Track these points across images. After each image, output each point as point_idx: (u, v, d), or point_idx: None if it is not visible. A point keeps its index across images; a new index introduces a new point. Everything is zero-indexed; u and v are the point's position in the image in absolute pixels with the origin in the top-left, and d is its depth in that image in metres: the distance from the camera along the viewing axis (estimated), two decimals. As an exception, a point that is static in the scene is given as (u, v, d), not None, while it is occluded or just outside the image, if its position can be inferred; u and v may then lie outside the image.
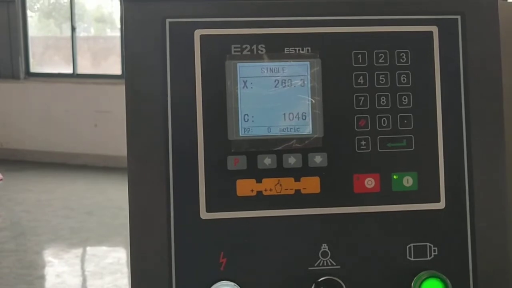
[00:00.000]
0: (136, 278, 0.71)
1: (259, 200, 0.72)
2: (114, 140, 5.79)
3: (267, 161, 0.73)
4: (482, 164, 0.74)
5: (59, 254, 3.76)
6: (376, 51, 0.74)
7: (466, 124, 0.74)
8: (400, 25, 0.75)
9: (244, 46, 0.73)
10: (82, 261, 3.76)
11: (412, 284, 0.72)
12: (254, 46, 0.73)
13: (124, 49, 0.73)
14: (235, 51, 0.73)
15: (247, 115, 0.73)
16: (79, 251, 3.88)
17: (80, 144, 6.02)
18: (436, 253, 0.73)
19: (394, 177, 0.74)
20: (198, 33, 0.73)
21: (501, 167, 0.74)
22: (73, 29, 6.28)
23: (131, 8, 0.72)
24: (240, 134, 0.73)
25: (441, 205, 0.74)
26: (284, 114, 0.73)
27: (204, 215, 0.72)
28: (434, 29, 0.75)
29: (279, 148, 0.73)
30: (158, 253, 0.71)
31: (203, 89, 0.72)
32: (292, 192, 0.73)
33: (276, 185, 0.72)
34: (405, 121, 0.74)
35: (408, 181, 0.74)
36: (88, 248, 3.94)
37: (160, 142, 0.72)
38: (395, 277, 0.73)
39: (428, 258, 0.73)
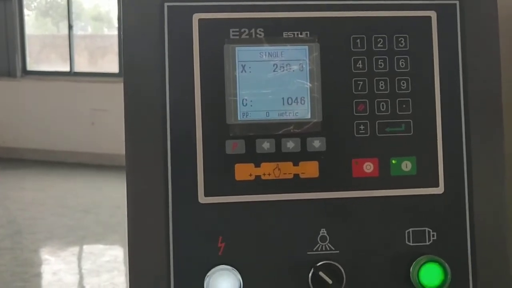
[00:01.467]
0: (134, 262, 0.71)
1: (258, 185, 0.72)
2: (111, 139, 5.78)
3: (266, 145, 0.72)
4: (480, 148, 0.74)
5: (55, 252, 3.75)
6: (375, 35, 0.74)
7: (464, 109, 0.74)
8: (399, 10, 0.75)
9: (242, 30, 0.73)
10: (79, 259, 3.75)
11: (411, 269, 0.72)
12: (253, 30, 0.73)
13: (121, 32, 0.73)
14: (233, 35, 0.73)
15: (246, 99, 0.73)
16: (75, 249, 3.87)
17: (77, 142, 6.01)
18: (435, 237, 0.73)
19: (393, 161, 0.74)
20: (196, 17, 0.73)
21: (499, 151, 0.74)
22: (70, 27, 6.27)
23: (129, -9, 0.72)
24: (239, 119, 0.72)
25: (439, 189, 0.74)
26: (283, 98, 0.73)
27: (202, 199, 0.72)
28: (433, 14, 0.75)
29: (278, 132, 0.73)
30: (156, 237, 0.71)
31: (201, 73, 0.72)
32: (291, 176, 0.72)
33: (274, 169, 0.72)
34: (404, 106, 0.74)
35: (407, 165, 0.74)
36: (85, 246, 3.93)
37: (158, 125, 0.71)
38: (394, 262, 0.73)
39: (427, 243, 0.73)
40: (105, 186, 5.23)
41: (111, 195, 4.92)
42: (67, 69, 6.29)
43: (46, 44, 6.85)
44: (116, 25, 6.17)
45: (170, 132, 0.71)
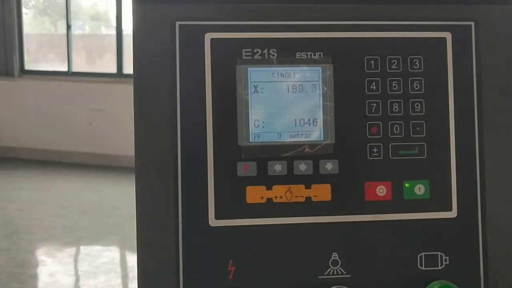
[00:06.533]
0: (143, 286, 0.70)
1: (269, 208, 0.71)
2: (109, 139, 5.77)
3: (278, 167, 0.71)
4: (494, 172, 0.73)
5: (52, 253, 3.74)
6: (389, 57, 0.73)
7: (478, 132, 0.74)
8: (413, 31, 0.74)
9: (255, 51, 0.72)
10: (76, 260, 3.73)
11: (423, 294, 0.71)
12: (266, 51, 0.72)
13: (133, 51, 0.71)
14: (246, 55, 0.72)
15: (258, 120, 0.72)
16: (72, 250, 3.86)
17: (75, 142, 5.98)
18: (448, 262, 0.73)
19: (406, 185, 0.73)
20: (208, 36, 0.72)
21: (513, 176, 0.74)
22: (68, 26, 6.25)
23: (141, 10, 0.71)
24: (250, 140, 0.71)
25: (452, 213, 0.73)
26: (295, 120, 0.72)
27: (213, 222, 0.71)
28: (448, 35, 0.74)
29: (290, 154, 0.72)
30: (166, 260, 0.70)
31: (213, 94, 0.71)
32: (303, 199, 0.71)
33: (286, 192, 0.71)
34: (418, 129, 0.73)
35: (420, 189, 0.73)
36: (82, 247, 3.91)
37: (169, 147, 0.70)
38: (406, 287, 0.72)
39: (439, 268, 0.72)
40: (103, 186, 5.21)
41: (109, 195, 4.91)
42: (65, 68, 6.27)
43: (44, 43, 6.82)
44: (114, 24, 6.14)
45: (181, 154, 0.70)
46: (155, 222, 0.70)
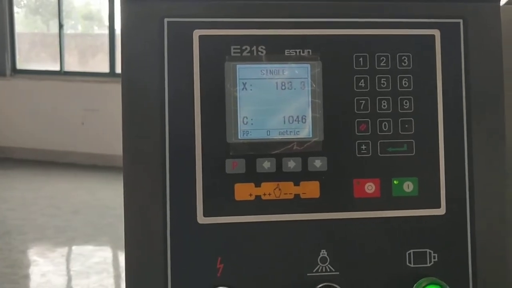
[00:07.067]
0: (131, 284, 0.69)
1: (258, 205, 0.71)
2: (102, 138, 5.75)
3: (266, 164, 0.71)
4: (482, 169, 0.74)
5: (44, 253, 3.72)
6: (378, 54, 0.73)
7: (467, 129, 0.74)
8: (402, 28, 0.74)
9: (244, 47, 0.72)
10: (68, 260, 3.72)
11: (412, 291, 0.71)
12: (254, 48, 0.72)
13: (121, 48, 0.71)
14: (234, 52, 0.72)
15: (246, 117, 0.72)
16: (64, 250, 3.84)
17: (67, 142, 5.97)
18: (436, 259, 0.73)
19: (395, 182, 0.73)
20: (197, 33, 0.71)
21: (501, 173, 0.74)
22: (60, 26, 6.22)
23: (130, 7, 0.71)
24: (239, 137, 0.71)
25: (441, 211, 0.73)
26: (284, 117, 0.72)
27: (201, 219, 0.70)
28: (436, 32, 0.74)
29: (279, 151, 0.72)
30: (153, 258, 0.69)
31: (201, 91, 0.71)
32: (292, 196, 0.71)
33: (275, 189, 0.71)
34: (406, 126, 0.73)
35: (408, 186, 0.73)
36: (74, 247, 3.90)
37: (157, 144, 0.70)
38: (395, 284, 0.72)
39: (428, 265, 0.73)
40: (95, 186, 5.20)
41: (102, 195, 4.90)
42: (57, 68, 6.24)
43: (36, 42, 6.79)
44: (107, 24, 6.12)
45: (169, 151, 0.70)
46: (143, 219, 0.70)
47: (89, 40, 6.72)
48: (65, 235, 4.00)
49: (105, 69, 6.07)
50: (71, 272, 3.53)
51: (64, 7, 6.33)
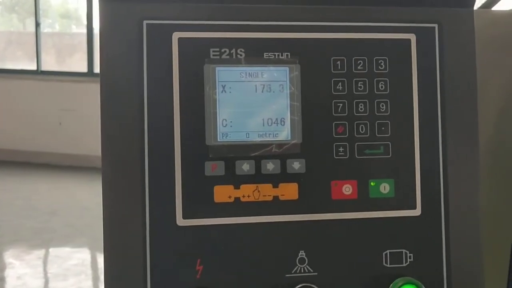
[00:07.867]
0: (110, 286, 0.69)
1: (237, 207, 0.71)
2: (79, 139, 5.69)
3: (245, 167, 0.72)
4: (457, 171, 0.75)
5: (20, 256, 3.67)
6: (355, 57, 0.74)
7: (442, 132, 0.75)
8: (379, 32, 0.75)
9: (223, 50, 0.72)
10: (45, 262, 3.67)
11: (388, 291, 0.72)
12: (233, 50, 0.72)
13: (100, 50, 0.71)
14: (213, 55, 0.72)
15: (226, 120, 0.72)
16: (41, 252, 3.80)
17: (44, 142, 5.89)
18: (412, 259, 0.74)
19: (372, 184, 0.74)
20: (176, 35, 0.71)
21: (475, 175, 0.75)
22: (37, 24, 6.14)
23: (108, 8, 0.70)
24: (218, 139, 0.72)
25: (417, 212, 0.75)
26: (263, 119, 0.73)
27: (180, 221, 0.71)
28: (412, 37, 0.76)
29: (258, 153, 0.72)
30: (133, 260, 0.69)
31: (180, 93, 0.71)
32: (270, 198, 0.72)
33: (254, 191, 0.72)
34: (383, 128, 0.74)
35: (385, 188, 0.74)
36: (51, 249, 3.86)
37: (136, 146, 0.70)
38: (372, 284, 0.73)
39: (404, 265, 0.74)
40: (72, 187, 5.15)
41: (79, 196, 4.85)
42: (33, 67, 6.16)
43: (12, 41, 6.69)
44: (85, 23, 6.07)
45: (148, 153, 0.70)
46: (122, 222, 0.70)
47: (66, 39, 6.64)
48: (41, 237, 3.95)
49: (83, 68, 6.02)
50: (48, 275, 3.49)
51: (41, 5, 6.25)
